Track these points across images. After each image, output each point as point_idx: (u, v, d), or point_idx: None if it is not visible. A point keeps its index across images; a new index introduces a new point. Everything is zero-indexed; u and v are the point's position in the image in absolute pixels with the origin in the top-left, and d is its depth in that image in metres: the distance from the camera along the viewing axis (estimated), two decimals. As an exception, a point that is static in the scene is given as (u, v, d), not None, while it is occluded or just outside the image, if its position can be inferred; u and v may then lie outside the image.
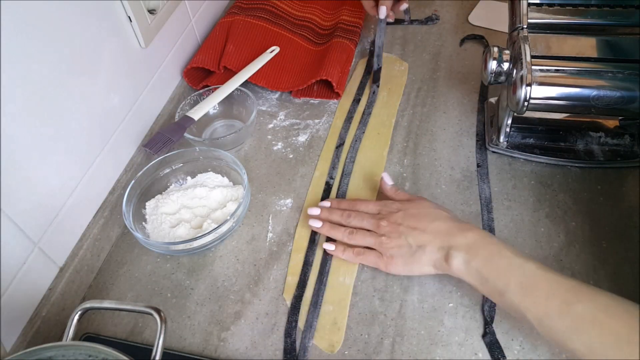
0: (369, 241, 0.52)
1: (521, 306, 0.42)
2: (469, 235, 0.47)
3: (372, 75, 0.75)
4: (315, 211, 0.57)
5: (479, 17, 0.84)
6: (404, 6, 0.78)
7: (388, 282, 0.52)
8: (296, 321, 0.50)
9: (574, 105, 0.55)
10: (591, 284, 0.50)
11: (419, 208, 0.52)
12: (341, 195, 0.61)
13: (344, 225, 0.55)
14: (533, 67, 0.54)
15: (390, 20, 0.79)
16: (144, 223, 0.58)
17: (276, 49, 0.76)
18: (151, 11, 0.63)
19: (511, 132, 0.63)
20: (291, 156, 0.66)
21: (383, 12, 0.74)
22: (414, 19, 0.85)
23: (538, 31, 0.58)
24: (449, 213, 0.51)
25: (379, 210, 0.54)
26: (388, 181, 0.57)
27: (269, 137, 0.69)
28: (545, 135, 0.63)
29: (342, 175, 0.63)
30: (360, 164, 0.64)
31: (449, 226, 0.49)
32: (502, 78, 0.58)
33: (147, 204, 0.59)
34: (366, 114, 0.70)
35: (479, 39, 0.80)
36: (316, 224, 0.56)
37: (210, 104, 0.68)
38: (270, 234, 0.58)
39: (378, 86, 0.74)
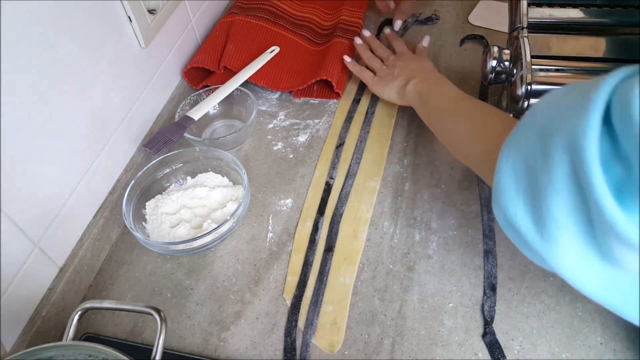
0: (377, 66, 0.70)
1: (430, 108, 0.58)
2: (431, 75, 0.63)
3: None
4: (366, 33, 0.78)
5: (479, 17, 0.84)
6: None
7: (388, 282, 0.52)
8: (296, 321, 0.50)
9: (574, 105, 0.55)
10: (591, 283, 0.50)
11: (420, 61, 0.68)
12: (344, 196, 0.60)
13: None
14: (533, 67, 0.54)
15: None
16: (144, 223, 0.58)
17: (276, 49, 0.76)
18: (151, 11, 0.63)
19: (511, 132, 0.63)
20: (291, 156, 0.66)
21: (398, 25, 0.82)
22: (415, 19, 0.85)
23: (538, 31, 0.58)
24: (436, 71, 0.65)
25: (400, 52, 0.71)
26: (425, 43, 0.74)
27: (269, 137, 0.69)
28: (545, 135, 0.63)
29: (346, 177, 0.63)
30: (360, 164, 0.64)
31: (424, 70, 0.65)
32: (502, 78, 0.58)
33: (147, 204, 0.59)
34: (369, 113, 0.70)
35: (479, 39, 0.80)
36: (359, 41, 0.76)
37: (210, 104, 0.68)
38: (270, 234, 0.58)
39: None
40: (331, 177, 0.63)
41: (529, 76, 0.53)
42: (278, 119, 0.72)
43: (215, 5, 0.85)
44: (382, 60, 0.72)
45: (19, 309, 0.48)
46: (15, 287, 0.46)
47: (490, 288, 0.51)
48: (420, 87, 0.61)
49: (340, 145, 0.67)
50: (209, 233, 0.52)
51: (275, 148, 0.68)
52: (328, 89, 0.74)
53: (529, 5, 0.59)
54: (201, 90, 0.70)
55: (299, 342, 0.49)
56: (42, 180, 0.49)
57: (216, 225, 0.53)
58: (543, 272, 0.51)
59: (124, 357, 0.36)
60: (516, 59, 0.55)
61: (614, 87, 0.28)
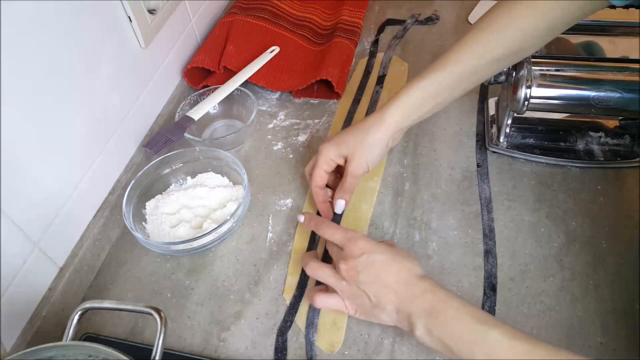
0: (332, 282, 0.47)
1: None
2: (427, 297, 0.43)
3: (377, 78, 0.76)
4: (300, 218, 0.55)
5: (479, 17, 0.84)
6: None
7: (388, 282, 0.52)
8: (292, 321, 0.50)
9: (574, 105, 0.55)
10: (591, 284, 0.50)
11: (383, 254, 0.46)
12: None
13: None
14: (533, 67, 0.54)
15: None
16: (144, 223, 0.58)
17: (276, 49, 0.76)
18: (151, 11, 0.63)
19: (511, 132, 0.63)
20: (291, 156, 0.66)
21: (340, 206, 0.57)
22: (415, 19, 0.85)
23: (538, 31, 0.58)
24: (410, 262, 0.46)
25: (342, 242, 0.48)
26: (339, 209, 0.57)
27: (269, 137, 0.69)
28: (545, 135, 0.63)
29: None
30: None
31: (408, 286, 0.44)
32: (502, 78, 0.58)
33: (147, 204, 0.59)
34: (370, 113, 0.70)
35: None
36: (301, 218, 0.54)
37: (210, 104, 0.68)
38: (270, 234, 0.58)
39: (381, 87, 0.74)
40: (331, 177, 0.63)
41: (529, 77, 0.53)
42: (278, 119, 0.72)
43: (215, 5, 0.85)
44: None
45: (19, 309, 0.48)
46: (15, 287, 0.46)
47: (490, 288, 0.51)
48: (440, 335, 0.41)
49: (340, 145, 0.66)
50: (209, 233, 0.52)
51: (275, 148, 0.68)
52: (328, 89, 0.74)
53: (529, 5, 0.59)
54: (201, 90, 0.70)
55: (299, 342, 0.49)
56: (42, 180, 0.49)
57: (216, 225, 0.53)
58: (543, 272, 0.51)
59: (124, 357, 0.36)
60: (516, 59, 0.55)
61: None
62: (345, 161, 0.55)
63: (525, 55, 0.52)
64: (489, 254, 0.53)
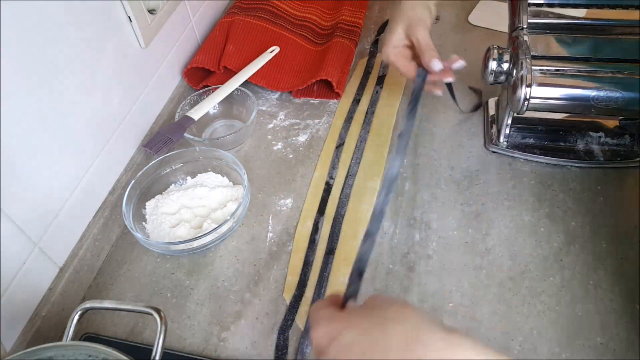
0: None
1: None
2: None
3: (378, 78, 0.76)
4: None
5: (479, 17, 0.84)
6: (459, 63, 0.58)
7: (388, 282, 0.52)
8: (292, 320, 0.50)
9: (574, 105, 0.55)
10: (591, 284, 0.50)
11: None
12: (344, 197, 0.60)
13: None
14: (533, 68, 0.54)
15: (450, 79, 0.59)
16: (144, 223, 0.58)
17: (276, 49, 0.76)
18: (151, 11, 0.63)
19: (511, 132, 0.63)
20: (291, 156, 0.66)
21: (437, 64, 0.57)
22: None
23: (538, 31, 0.58)
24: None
25: None
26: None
27: (269, 137, 0.69)
28: (545, 135, 0.63)
29: (346, 177, 0.62)
30: (360, 164, 0.64)
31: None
32: (502, 78, 0.58)
33: (147, 204, 0.59)
34: (369, 113, 0.70)
35: (477, 93, 0.72)
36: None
37: (210, 104, 0.68)
38: (270, 234, 0.58)
39: (381, 87, 0.74)
40: (331, 177, 0.63)
41: (529, 77, 0.53)
42: (278, 119, 0.72)
43: (215, 5, 0.85)
44: None
45: (19, 309, 0.48)
46: (15, 287, 0.46)
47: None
48: None
49: (340, 145, 0.67)
50: (209, 233, 0.52)
51: (275, 148, 0.68)
52: (328, 89, 0.74)
53: (529, 5, 0.59)
54: (201, 90, 0.70)
55: (294, 342, 0.49)
56: (42, 180, 0.49)
57: (216, 225, 0.53)
58: (543, 272, 0.51)
59: (124, 357, 0.36)
60: (516, 59, 0.55)
61: None
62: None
63: None
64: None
